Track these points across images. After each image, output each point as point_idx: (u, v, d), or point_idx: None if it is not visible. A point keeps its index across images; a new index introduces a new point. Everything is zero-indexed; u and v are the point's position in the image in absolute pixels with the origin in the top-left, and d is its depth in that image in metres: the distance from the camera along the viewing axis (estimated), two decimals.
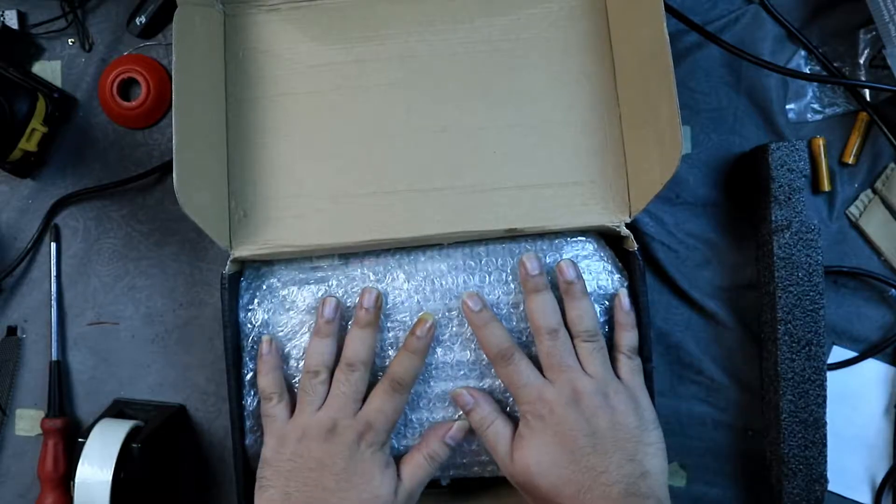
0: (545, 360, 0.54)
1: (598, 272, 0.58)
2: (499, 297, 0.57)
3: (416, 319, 0.57)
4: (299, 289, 0.59)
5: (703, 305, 0.64)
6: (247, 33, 0.61)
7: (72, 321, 0.67)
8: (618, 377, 0.55)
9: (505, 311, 0.57)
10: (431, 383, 0.57)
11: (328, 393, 0.55)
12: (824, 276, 0.60)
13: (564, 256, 0.58)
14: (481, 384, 0.57)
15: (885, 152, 0.64)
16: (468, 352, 0.57)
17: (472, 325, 0.56)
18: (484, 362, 0.57)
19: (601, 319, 0.57)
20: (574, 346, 0.55)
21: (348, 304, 0.58)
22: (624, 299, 0.56)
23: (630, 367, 0.55)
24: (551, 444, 0.52)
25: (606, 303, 0.57)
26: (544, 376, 0.54)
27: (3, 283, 0.67)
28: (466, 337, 0.57)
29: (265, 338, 0.57)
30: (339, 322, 0.56)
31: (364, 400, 0.55)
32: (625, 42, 0.58)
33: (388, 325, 0.58)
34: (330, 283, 0.58)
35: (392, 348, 0.57)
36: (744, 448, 0.64)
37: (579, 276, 0.56)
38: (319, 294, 0.58)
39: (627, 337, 0.56)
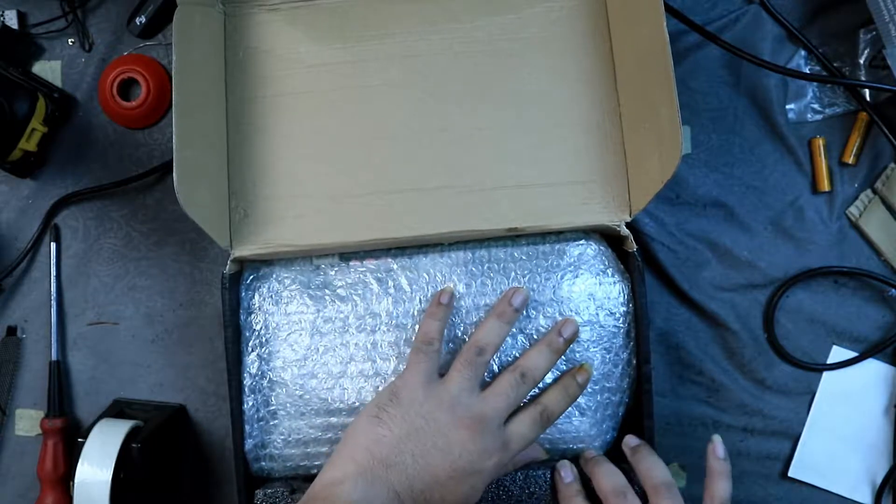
0: None
1: (599, 275, 0.58)
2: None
3: (413, 321, 0.57)
4: (300, 289, 0.59)
5: (704, 306, 0.64)
6: (247, 33, 0.61)
7: (72, 321, 0.67)
8: None
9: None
10: None
11: (487, 383, 0.54)
12: (824, 276, 0.60)
13: (566, 259, 0.58)
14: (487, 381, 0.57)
15: (885, 152, 0.64)
16: None
17: (586, 466, 0.56)
18: (493, 366, 0.57)
19: (607, 324, 0.57)
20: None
21: (349, 307, 0.58)
22: (718, 446, 0.54)
23: None
24: None
25: (609, 308, 0.57)
26: None
27: (3, 283, 0.67)
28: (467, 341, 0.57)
29: (448, 288, 0.56)
30: (451, 308, 0.56)
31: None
32: (625, 41, 0.58)
33: (388, 328, 0.58)
34: (331, 284, 0.59)
35: (392, 349, 0.57)
36: (744, 448, 0.64)
37: (643, 442, 0.56)
38: (319, 296, 0.58)
39: (723, 487, 0.53)
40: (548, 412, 0.54)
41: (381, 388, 0.57)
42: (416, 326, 0.57)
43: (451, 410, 0.52)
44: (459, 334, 0.57)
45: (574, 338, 0.55)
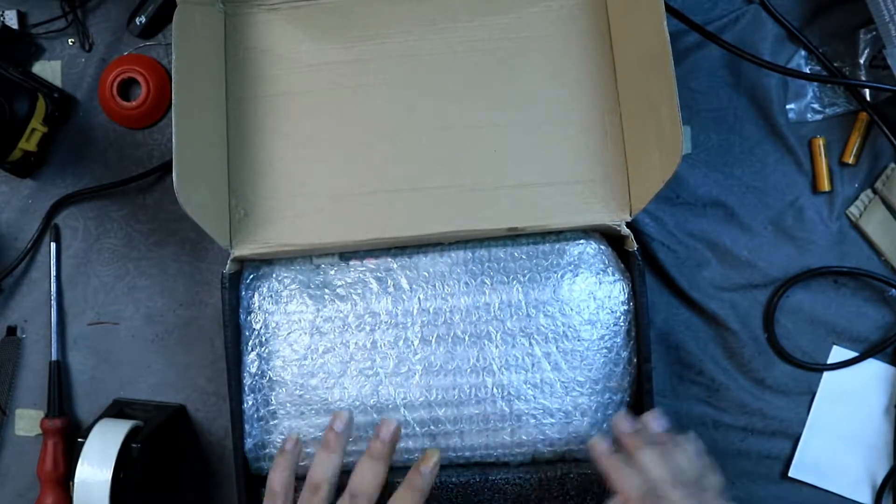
0: None
1: (599, 274, 0.58)
2: (500, 300, 0.58)
3: (413, 320, 0.57)
4: (299, 289, 0.59)
5: (703, 306, 0.64)
6: (247, 33, 0.61)
7: (72, 321, 0.67)
8: None
9: (507, 313, 0.57)
10: (433, 381, 0.57)
11: None
12: (824, 276, 0.60)
13: (566, 258, 0.58)
14: (482, 381, 0.57)
15: (885, 152, 0.64)
16: (468, 358, 0.57)
17: (602, 467, 0.52)
18: (485, 363, 0.57)
19: (608, 323, 0.57)
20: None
21: (349, 306, 0.58)
22: (691, 441, 0.54)
23: None
24: None
25: (610, 307, 0.58)
26: None
27: (3, 283, 0.67)
28: (466, 341, 0.57)
29: (293, 436, 0.53)
30: (348, 436, 0.53)
31: None
32: (625, 41, 0.58)
33: (388, 327, 0.58)
34: (331, 284, 0.59)
35: (392, 348, 0.57)
36: (744, 448, 0.64)
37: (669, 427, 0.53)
38: (319, 296, 0.58)
39: (716, 480, 0.52)
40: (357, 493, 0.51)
41: (381, 388, 0.57)
42: (416, 326, 0.58)
43: None
44: (459, 334, 0.57)
45: (395, 437, 0.52)
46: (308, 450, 0.58)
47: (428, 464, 0.51)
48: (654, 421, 0.53)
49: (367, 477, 0.51)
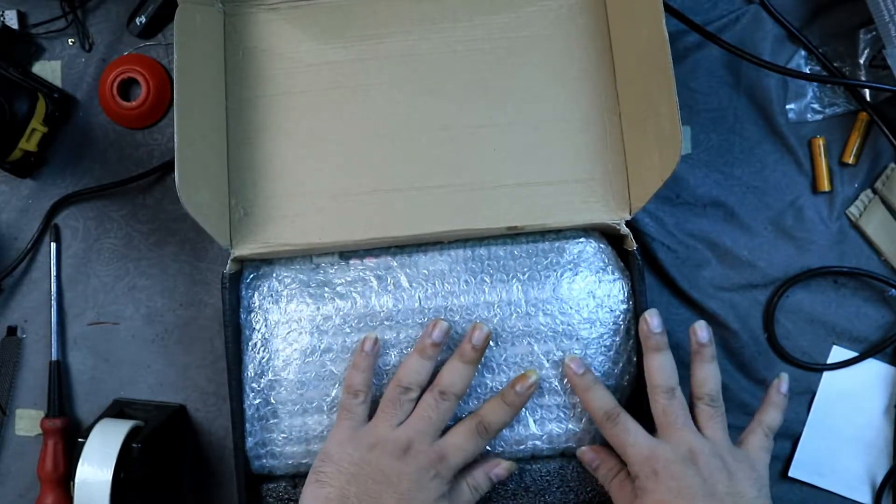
0: (660, 419, 0.54)
1: (599, 272, 0.58)
2: (500, 298, 0.58)
3: (413, 318, 0.57)
4: (300, 288, 0.59)
5: (704, 306, 0.64)
6: (247, 32, 0.61)
7: (72, 321, 0.67)
8: (745, 449, 0.54)
9: (507, 311, 0.57)
10: (433, 379, 0.57)
11: (412, 412, 0.54)
12: (824, 276, 0.60)
13: (566, 257, 0.58)
14: (482, 379, 0.57)
15: (885, 152, 0.64)
16: None
17: (576, 388, 0.56)
18: (484, 361, 0.57)
19: (607, 322, 0.57)
20: (693, 409, 0.55)
21: (349, 305, 0.58)
22: (784, 383, 0.57)
23: (763, 444, 0.55)
24: (666, 501, 0.50)
25: (610, 306, 0.57)
26: (656, 437, 0.53)
27: (3, 283, 0.67)
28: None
29: (371, 335, 0.56)
30: (443, 345, 0.55)
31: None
32: (624, 40, 0.58)
33: (388, 326, 0.58)
34: (331, 282, 0.59)
35: (392, 347, 0.57)
36: None
37: (711, 341, 0.55)
38: (319, 295, 0.58)
39: (773, 416, 0.56)
40: (485, 423, 0.54)
41: (386, 387, 0.57)
42: (416, 324, 0.58)
43: (378, 448, 0.53)
44: (459, 332, 0.57)
45: (486, 342, 0.55)
46: (309, 447, 0.58)
47: (524, 383, 0.55)
48: (702, 330, 0.55)
49: (455, 377, 0.54)
